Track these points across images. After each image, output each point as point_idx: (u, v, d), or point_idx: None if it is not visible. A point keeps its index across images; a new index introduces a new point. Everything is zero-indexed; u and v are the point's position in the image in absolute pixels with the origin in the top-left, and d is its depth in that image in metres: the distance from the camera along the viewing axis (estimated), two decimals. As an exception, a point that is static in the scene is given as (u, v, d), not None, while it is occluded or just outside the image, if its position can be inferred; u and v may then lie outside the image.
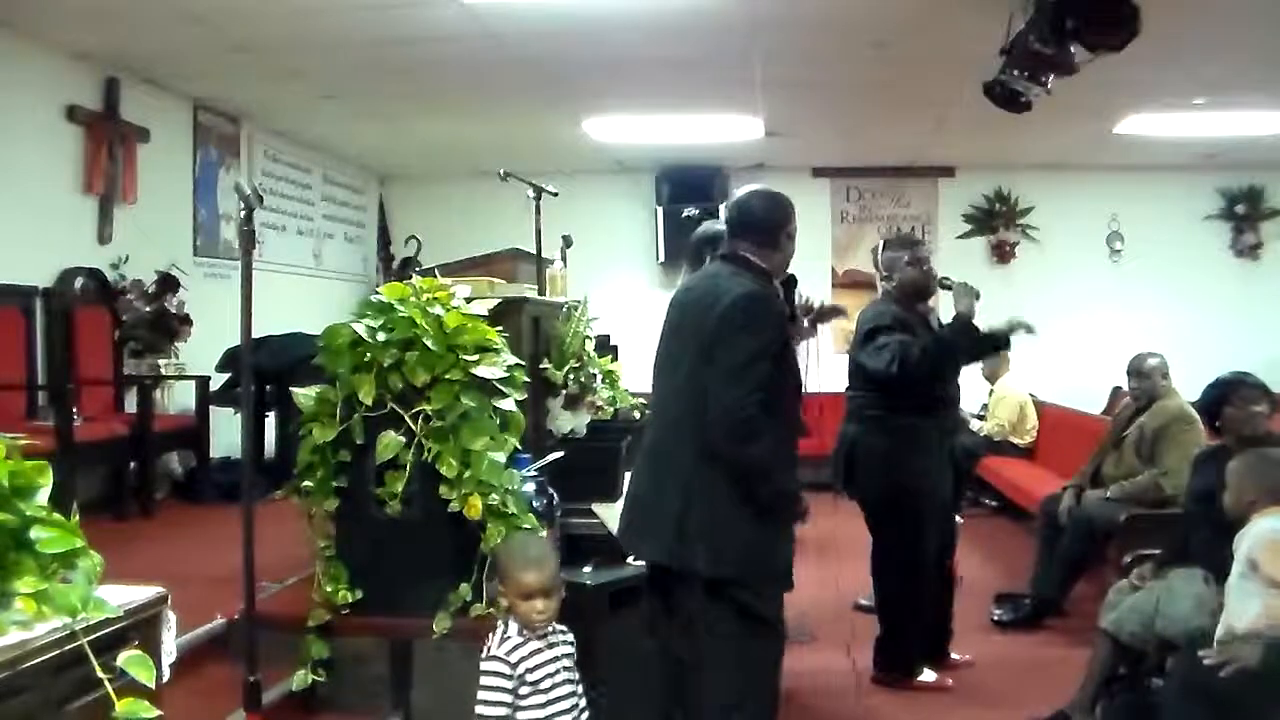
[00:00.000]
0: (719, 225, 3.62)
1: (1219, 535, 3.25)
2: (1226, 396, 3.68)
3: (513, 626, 2.48)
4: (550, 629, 2.51)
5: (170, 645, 1.96)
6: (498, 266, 4.40)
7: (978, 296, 3.89)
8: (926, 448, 3.94)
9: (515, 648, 2.45)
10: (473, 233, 7.35)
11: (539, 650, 2.47)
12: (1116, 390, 7.82)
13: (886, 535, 4.02)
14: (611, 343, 5.91)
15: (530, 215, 4.41)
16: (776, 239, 2.91)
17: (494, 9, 4.90)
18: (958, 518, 4.50)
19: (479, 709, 2.44)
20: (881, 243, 4.30)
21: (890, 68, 5.84)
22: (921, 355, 3.78)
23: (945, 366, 3.94)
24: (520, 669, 2.43)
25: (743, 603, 2.76)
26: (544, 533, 3.17)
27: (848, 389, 4.11)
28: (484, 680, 2.44)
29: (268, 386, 5.92)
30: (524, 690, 2.44)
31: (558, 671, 2.49)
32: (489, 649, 2.48)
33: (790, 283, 3.11)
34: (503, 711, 2.42)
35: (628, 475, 3.69)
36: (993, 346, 4.04)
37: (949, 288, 3.99)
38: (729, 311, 2.74)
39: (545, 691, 2.46)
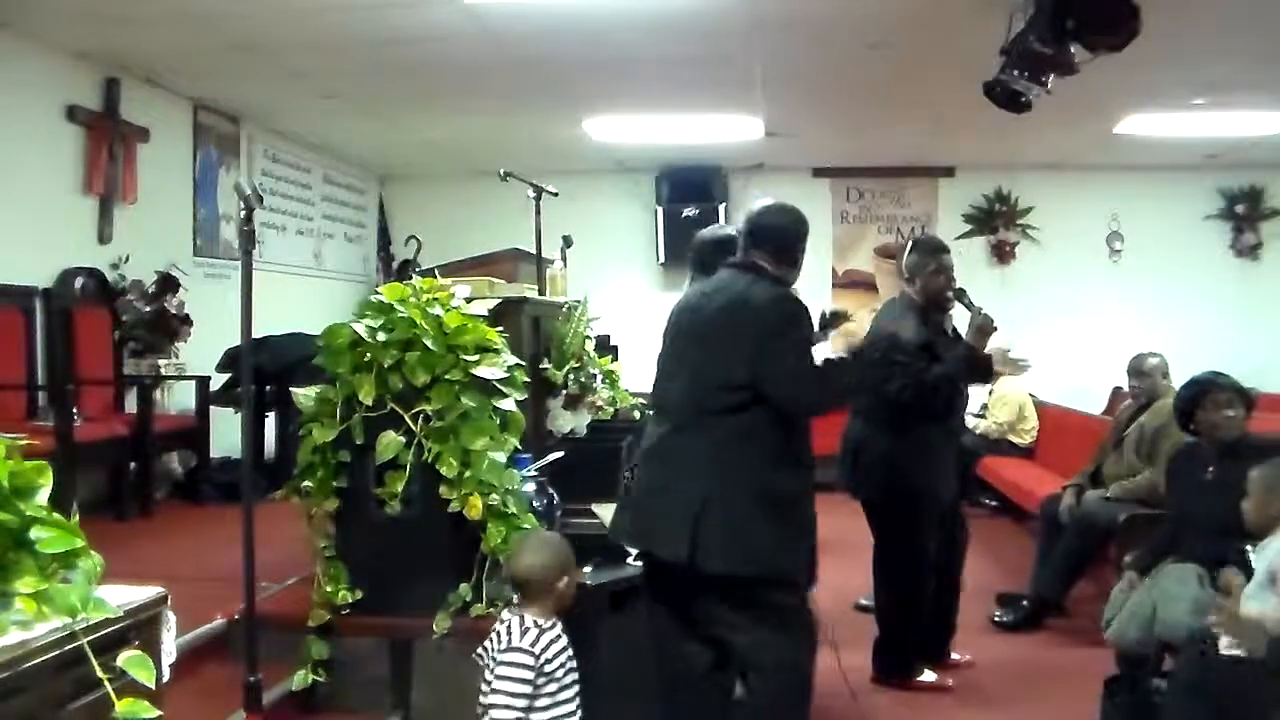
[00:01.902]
0: (725, 229, 3.63)
1: (1212, 534, 3.25)
2: (1198, 398, 3.65)
3: (528, 619, 2.48)
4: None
5: (170, 645, 1.96)
6: (498, 266, 4.41)
7: (994, 331, 3.89)
8: (933, 450, 3.94)
9: (538, 638, 2.46)
10: (473, 233, 7.35)
11: (556, 639, 2.49)
12: (1116, 390, 7.82)
13: (889, 536, 4.02)
14: (611, 343, 5.91)
15: (530, 215, 4.41)
16: (795, 253, 2.99)
17: (494, 9, 4.90)
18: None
19: (496, 700, 2.41)
20: (910, 243, 4.25)
21: (890, 68, 5.84)
22: (931, 392, 3.81)
23: (949, 398, 3.98)
24: (542, 659, 2.44)
25: (761, 600, 2.78)
26: (549, 533, 3.17)
27: None
28: (506, 672, 2.42)
29: (268, 386, 5.92)
30: (540, 680, 2.45)
31: (568, 659, 2.51)
32: (507, 641, 2.45)
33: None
34: (521, 704, 2.42)
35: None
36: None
37: (965, 302, 3.98)
38: (770, 315, 2.81)
39: (559, 680, 2.48)
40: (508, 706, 2.41)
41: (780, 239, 2.96)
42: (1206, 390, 3.63)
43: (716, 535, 2.73)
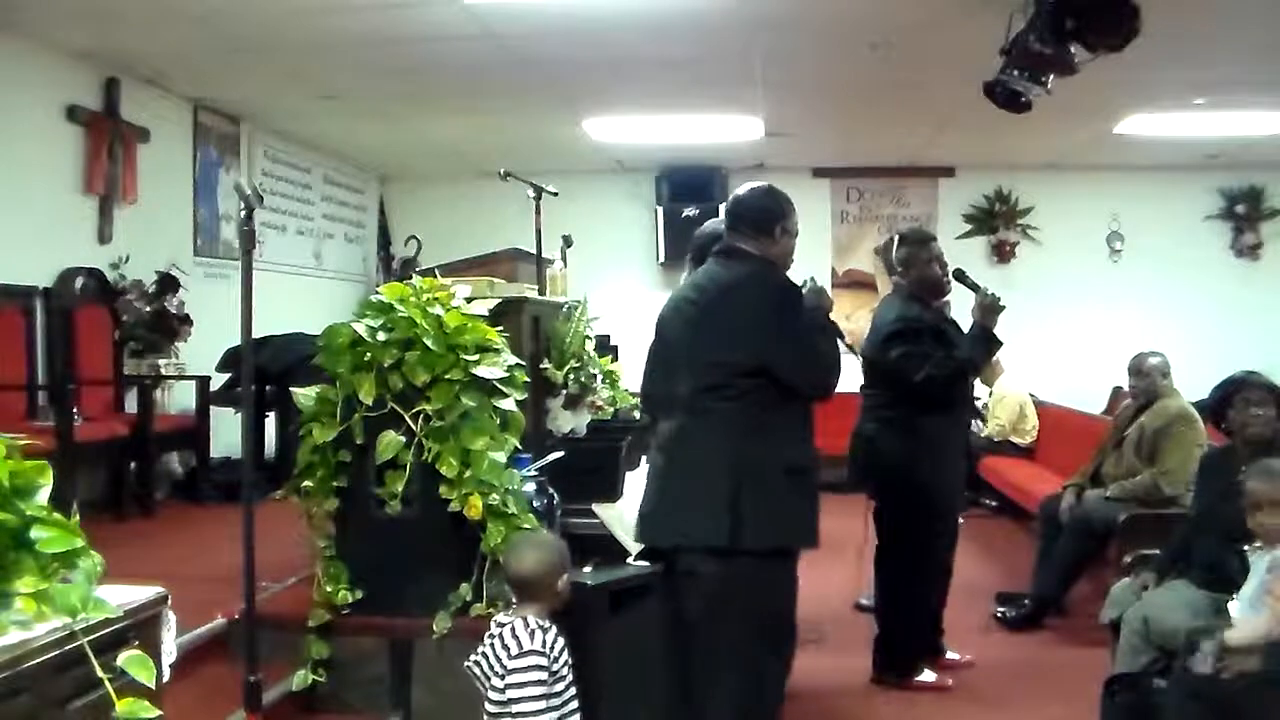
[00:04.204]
0: (723, 224, 3.63)
1: (1225, 542, 3.23)
2: (1230, 397, 3.63)
3: (532, 621, 2.48)
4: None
5: (170, 645, 1.95)
6: (498, 266, 4.40)
7: (1002, 309, 3.94)
8: (944, 446, 3.95)
9: (544, 637, 2.46)
10: (473, 233, 7.36)
11: (558, 637, 2.49)
12: (1116, 390, 7.82)
13: (898, 534, 4.00)
14: (611, 343, 5.91)
15: (530, 215, 4.41)
16: (771, 231, 2.97)
17: (494, 9, 4.90)
18: (959, 517, 4.50)
19: (524, 708, 2.38)
20: (896, 238, 4.25)
21: (890, 68, 5.84)
22: (953, 373, 3.87)
23: (968, 378, 4.08)
24: (551, 659, 2.44)
25: (767, 587, 2.79)
26: (544, 532, 3.17)
27: (862, 387, 4.10)
28: (525, 678, 2.40)
29: (268, 386, 5.92)
30: (549, 680, 2.44)
31: (568, 658, 2.51)
32: (518, 647, 2.43)
33: None
34: (544, 705, 2.40)
35: (628, 475, 3.70)
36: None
37: (968, 282, 4.00)
38: (765, 298, 2.84)
39: (565, 678, 2.48)
40: (540, 712, 2.40)
41: (755, 217, 2.98)
42: (1238, 388, 3.60)
43: (754, 514, 2.75)
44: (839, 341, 3.09)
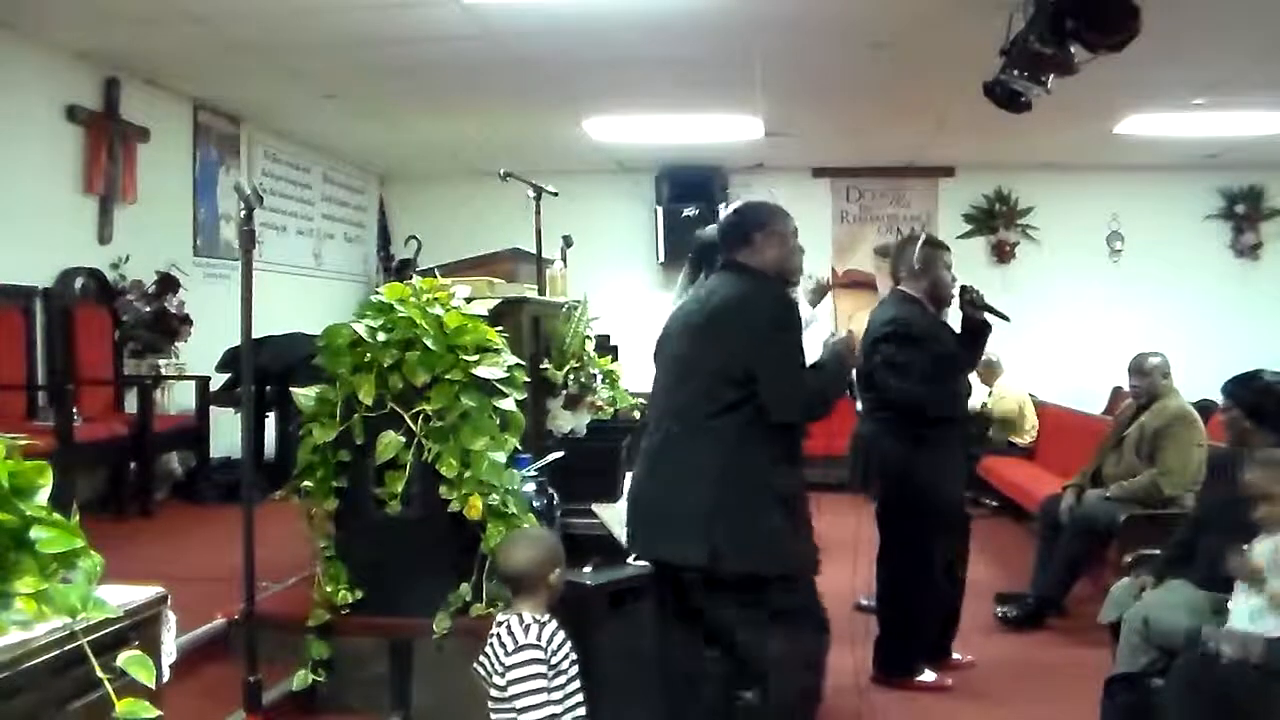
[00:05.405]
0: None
1: (1229, 541, 3.23)
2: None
3: (527, 616, 2.48)
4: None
5: (170, 645, 1.95)
6: (498, 266, 4.41)
7: (1007, 320, 4.03)
8: (942, 446, 3.95)
9: (540, 632, 2.46)
10: (473, 233, 7.37)
11: (556, 631, 2.49)
12: (1116, 390, 7.82)
13: (897, 534, 3.99)
14: (611, 343, 5.92)
15: (530, 215, 4.41)
16: (749, 240, 2.97)
17: (494, 9, 4.90)
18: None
19: (527, 701, 2.38)
20: (922, 237, 4.23)
21: (890, 68, 5.84)
22: (945, 399, 3.94)
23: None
24: (549, 652, 2.44)
25: (776, 599, 2.78)
26: (533, 528, 3.17)
27: (860, 390, 4.10)
28: (523, 672, 2.39)
29: (268, 387, 5.92)
30: (549, 673, 2.44)
31: (570, 650, 2.51)
32: (514, 642, 2.43)
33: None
34: (545, 698, 2.40)
35: (628, 475, 3.70)
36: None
37: (974, 303, 4.00)
38: (761, 316, 2.83)
39: (566, 671, 2.48)
40: (541, 705, 2.40)
41: (728, 233, 3.01)
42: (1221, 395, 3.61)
43: (734, 536, 2.72)
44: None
